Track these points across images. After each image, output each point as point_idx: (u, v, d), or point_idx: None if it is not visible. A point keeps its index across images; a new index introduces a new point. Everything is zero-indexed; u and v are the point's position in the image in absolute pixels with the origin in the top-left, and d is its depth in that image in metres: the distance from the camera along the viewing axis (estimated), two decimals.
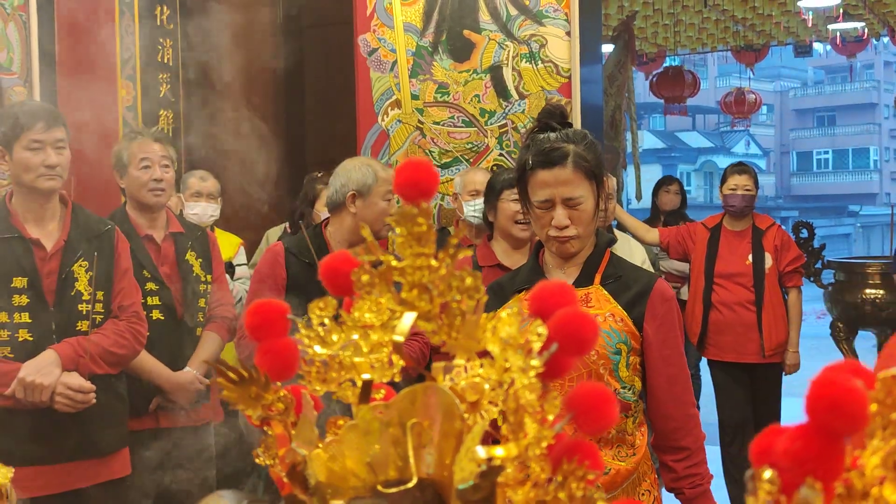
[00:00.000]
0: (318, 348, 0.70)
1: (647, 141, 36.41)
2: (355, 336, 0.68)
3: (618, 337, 2.31)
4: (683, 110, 10.73)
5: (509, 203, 3.68)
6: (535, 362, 0.64)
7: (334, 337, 0.70)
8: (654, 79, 10.41)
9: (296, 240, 3.44)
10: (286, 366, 0.72)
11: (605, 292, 2.35)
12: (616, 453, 2.33)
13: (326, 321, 0.71)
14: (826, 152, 42.17)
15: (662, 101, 10.64)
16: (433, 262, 0.66)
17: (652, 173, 35.91)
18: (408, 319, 0.66)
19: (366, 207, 3.34)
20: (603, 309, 2.33)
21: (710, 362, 5.51)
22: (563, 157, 2.30)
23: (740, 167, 5.48)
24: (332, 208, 3.45)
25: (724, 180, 5.43)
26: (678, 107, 10.58)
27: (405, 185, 0.68)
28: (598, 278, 2.37)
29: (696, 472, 2.39)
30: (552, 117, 2.43)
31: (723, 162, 39.67)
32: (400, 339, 0.67)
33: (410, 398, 0.65)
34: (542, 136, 2.37)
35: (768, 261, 5.25)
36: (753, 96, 11.95)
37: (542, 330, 0.64)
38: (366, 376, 0.68)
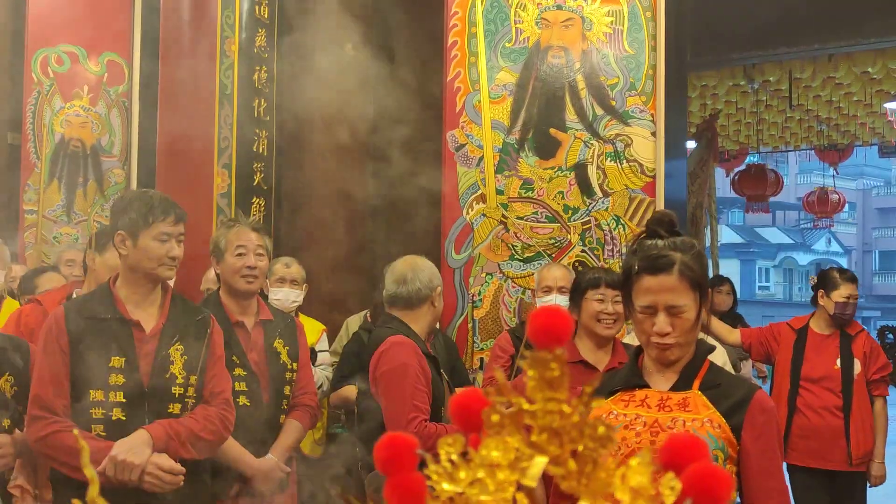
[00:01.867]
0: (445, 485, 0.73)
1: (726, 236, 36.02)
2: (482, 474, 0.71)
3: (715, 443, 2.28)
4: (765, 208, 10.66)
5: (593, 302, 3.70)
6: None
7: (462, 474, 0.73)
8: (737, 177, 10.39)
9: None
10: (414, 501, 0.75)
11: (704, 398, 2.34)
12: None
13: (454, 457, 0.74)
14: None
15: (744, 198, 10.58)
16: (565, 408, 0.69)
17: (731, 268, 35.48)
18: (539, 464, 0.69)
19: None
20: (701, 414, 2.31)
21: (791, 467, 5.35)
22: (669, 265, 2.33)
23: (850, 275, 5.36)
24: (412, 303, 3.53)
25: (833, 286, 5.25)
26: (760, 205, 10.51)
27: (539, 331, 0.72)
28: (696, 384, 2.37)
29: None
30: (661, 225, 2.47)
31: (802, 259, 39.06)
32: (532, 484, 0.70)
33: None
34: (649, 242, 2.41)
35: (857, 367, 5.16)
36: (837, 196, 11.82)
37: (676, 484, 0.66)
38: None
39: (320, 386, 4.65)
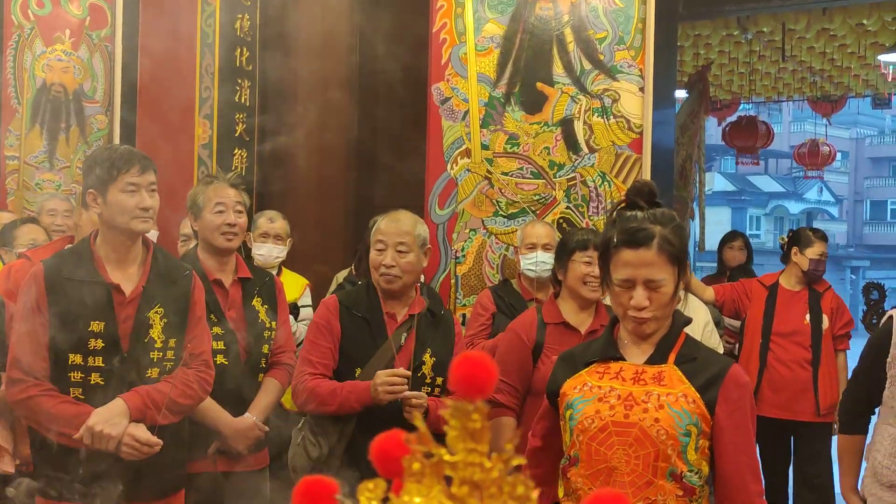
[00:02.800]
0: None
1: (718, 183, 36.00)
2: None
3: (689, 418, 2.28)
4: (755, 160, 10.60)
5: (580, 264, 3.65)
6: None
7: None
8: (727, 128, 10.31)
9: (352, 293, 3.49)
10: None
11: (679, 372, 2.33)
12: None
13: (375, 503, 0.71)
14: None
15: (734, 149, 10.53)
16: (486, 463, 0.67)
17: (721, 216, 35.52)
18: None
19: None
20: (675, 388, 2.30)
21: (757, 418, 5.48)
22: (648, 239, 2.30)
23: (822, 234, 5.59)
24: None
25: (806, 244, 5.47)
26: (750, 157, 10.46)
27: (461, 380, 0.68)
28: (672, 357, 2.36)
29: None
30: (641, 195, 2.44)
31: (794, 207, 39.06)
32: None
33: None
34: (629, 213, 2.38)
35: (825, 322, 5.40)
36: (828, 148, 11.76)
37: None
38: None
39: (301, 342, 4.63)
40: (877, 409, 3.34)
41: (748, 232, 37.84)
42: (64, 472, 2.88)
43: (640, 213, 2.37)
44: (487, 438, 0.68)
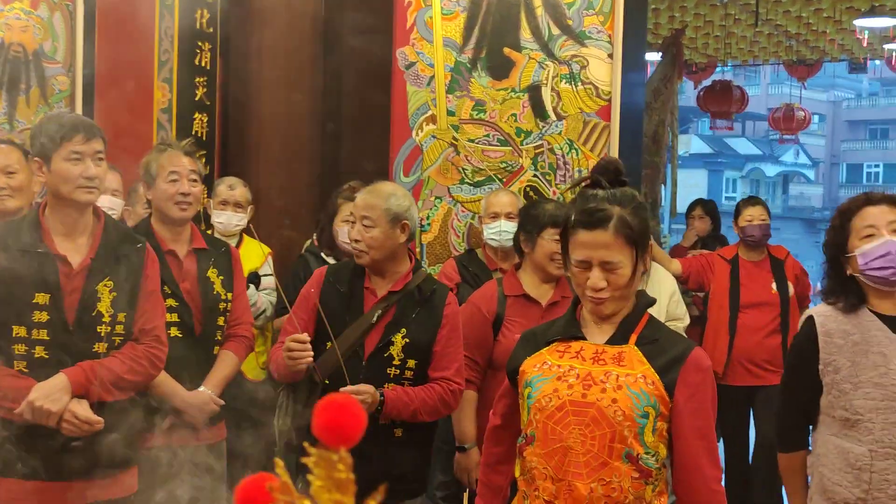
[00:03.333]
0: None
1: (695, 146, 36.06)
2: None
3: (647, 400, 2.25)
4: (730, 126, 10.56)
5: (550, 242, 3.58)
6: None
7: None
8: (702, 92, 10.25)
9: (341, 266, 3.45)
10: None
11: (640, 353, 2.30)
12: None
13: None
14: (877, 165, 41.43)
15: (709, 114, 10.48)
16: None
17: (698, 178, 35.55)
18: None
19: None
20: (635, 370, 2.28)
21: (722, 389, 5.54)
22: (604, 221, 2.26)
23: (752, 200, 5.76)
24: None
25: (737, 214, 5.64)
26: (724, 122, 10.42)
27: (325, 428, 0.63)
28: (633, 338, 2.32)
29: None
30: (605, 173, 2.40)
31: (770, 170, 39.23)
32: None
33: None
34: (590, 192, 2.34)
35: (791, 288, 5.48)
36: (802, 113, 11.74)
37: None
38: None
39: (264, 311, 4.57)
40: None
41: (724, 195, 38.00)
42: (8, 449, 2.82)
43: (600, 193, 2.33)
44: (353, 490, 0.62)
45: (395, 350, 3.14)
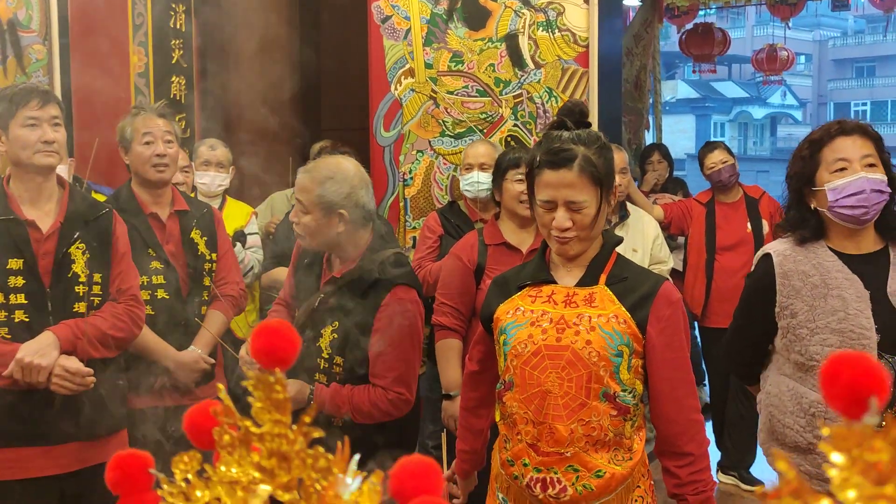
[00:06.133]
0: None
1: (681, 90, 35.91)
2: (220, 493, 0.66)
3: (620, 339, 2.27)
4: (712, 69, 10.51)
5: (514, 183, 3.64)
6: None
7: (198, 493, 0.67)
8: (684, 36, 10.19)
9: None
10: None
11: (610, 293, 2.32)
12: (612, 457, 2.31)
13: (190, 476, 0.69)
14: (864, 104, 41.36)
15: (691, 58, 10.43)
16: (290, 434, 0.64)
17: (685, 123, 35.47)
18: (262, 495, 0.64)
19: None
20: (606, 310, 2.30)
21: (704, 330, 5.73)
22: (569, 160, 2.27)
23: (710, 145, 5.76)
24: None
25: (701, 163, 5.68)
26: (707, 65, 10.37)
27: (261, 352, 0.65)
28: (603, 278, 2.34)
29: (700, 479, 2.36)
30: (570, 115, 2.40)
31: (757, 113, 39.11)
32: None
33: None
34: (554, 133, 2.34)
35: (766, 227, 5.51)
36: (786, 53, 11.67)
37: None
38: None
39: (251, 268, 4.60)
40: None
41: (713, 139, 37.89)
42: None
43: (564, 134, 2.33)
44: (290, 409, 0.65)
45: (324, 343, 2.87)
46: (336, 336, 2.86)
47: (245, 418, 0.67)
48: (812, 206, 2.69)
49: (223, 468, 0.67)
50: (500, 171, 3.68)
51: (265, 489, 0.64)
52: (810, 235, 2.68)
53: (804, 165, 2.69)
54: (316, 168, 2.88)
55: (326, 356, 2.87)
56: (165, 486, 0.70)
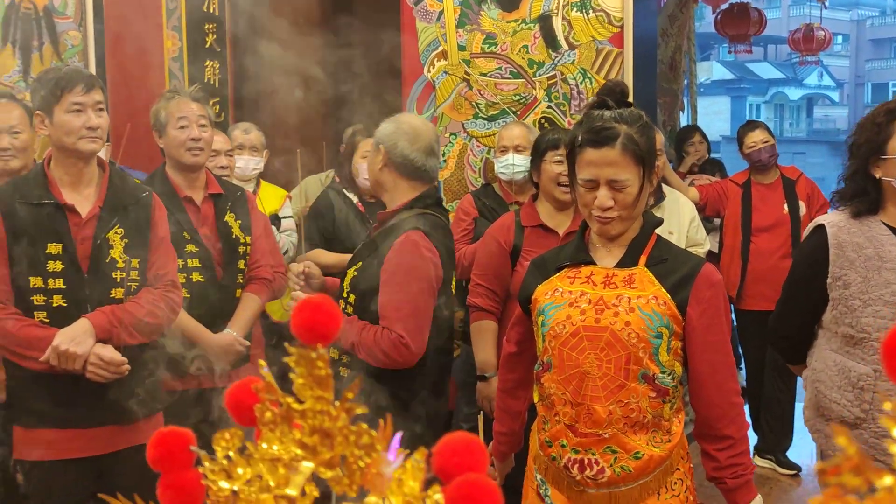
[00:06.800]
0: (222, 483, 0.67)
1: (716, 72, 35.55)
2: (262, 471, 0.65)
3: (660, 321, 2.25)
4: (748, 48, 10.36)
5: (552, 164, 3.62)
6: None
7: (240, 470, 0.67)
8: (719, 16, 10.06)
9: None
10: (190, 501, 0.69)
11: (650, 274, 2.30)
12: (650, 438, 2.29)
13: (231, 454, 0.68)
14: None
15: (727, 38, 10.29)
16: (332, 410, 0.62)
17: (721, 105, 35.11)
18: (305, 471, 0.63)
19: None
20: (646, 291, 2.27)
21: (739, 313, 5.66)
22: (612, 139, 2.25)
23: (751, 124, 5.70)
24: None
25: (740, 142, 5.62)
26: (743, 45, 10.23)
27: (302, 328, 0.64)
28: (643, 259, 2.32)
29: (740, 462, 2.34)
30: (611, 95, 2.38)
31: (794, 94, 38.65)
32: (293, 492, 0.63)
33: None
34: (596, 112, 2.33)
35: (802, 208, 5.46)
36: (823, 33, 11.49)
37: (440, 498, 0.59)
38: None
39: (286, 251, 4.61)
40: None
41: (748, 120, 37.45)
42: (38, 400, 2.87)
43: (606, 113, 2.31)
44: (332, 385, 0.64)
45: (346, 282, 3.05)
46: (356, 275, 3.00)
47: (287, 395, 0.66)
48: (878, 175, 2.65)
49: (265, 445, 0.66)
50: (538, 152, 3.65)
51: (308, 466, 0.63)
52: (865, 209, 2.66)
53: (878, 132, 2.63)
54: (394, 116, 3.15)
55: (345, 294, 3.02)
56: (207, 464, 0.69)
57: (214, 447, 0.69)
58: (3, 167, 3.50)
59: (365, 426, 0.63)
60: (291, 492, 0.63)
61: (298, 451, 0.63)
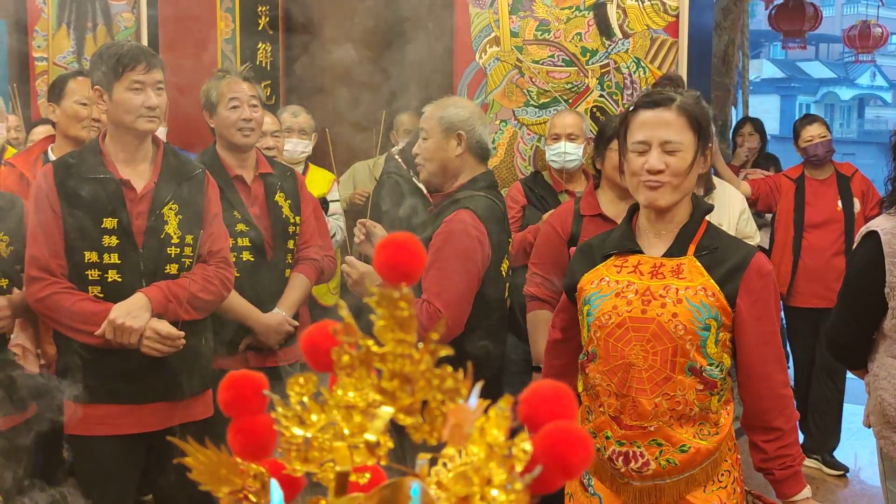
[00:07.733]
0: (295, 429, 0.65)
1: (766, 70, 35.07)
2: (336, 417, 0.63)
3: (708, 312, 2.20)
4: (802, 45, 10.20)
5: (616, 153, 3.54)
6: (518, 485, 0.57)
7: (314, 417, 0.65)
8: (773, 11, 9.91)
9: None
10: (261, 446, 0.68)
11: (699, 264, 2.25)
12: (698, 431, 2.25)
13: (306, 399, 0.66)
14: None
15: (781, 33, 10.13)
16: (415, 354, 0.60)
17: (770, 104, 34.63)
18: (384, 416, 0.61)
19: None
20: (695, 282, 2.23)
21: (789, 310, 5.61)
22: (668, 100, 2.22)
23: (809, 118, 5.62)
24: None
25: (796, 135, 5.53)
26: (797, 41, 10.07)
27: (386, 265, 0.62)
28: (692, 248, 2.27)
29: (788, 454, 2.30)
30: (669, 82, 2.36)
31: (845, 94, 38.02)
32: (372, 437, 0.61)
33: (391, 493, 0.60)
34: (653, 88, 2.31)
35: (857, 206, 5.38)
36: (880, 30, 11.29)
37: (528, 447, 0.57)
38: (340, 468, 0.62)
39: (334, 235, 4.60)
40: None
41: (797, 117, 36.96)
42: (89, 374, 2.88)
43: (665, 89, 2.29)
44: (415, 327, 0.61)
45: None
46: None
47: (367, 337, 0.64)
48: None
49: (340, 392, 0.64)
50: (603, 139, 3.58)
51: (387, 411, 0.61)
52: None
53: None
54: (441, 100, 3.17)
55: None
56: (280, 409, 0.67)
57: (288, 392, 0.67)
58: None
59: (449, 369, 0.60)
60: (371, 437, 0.61)
61: (377, 397, 0.61)
